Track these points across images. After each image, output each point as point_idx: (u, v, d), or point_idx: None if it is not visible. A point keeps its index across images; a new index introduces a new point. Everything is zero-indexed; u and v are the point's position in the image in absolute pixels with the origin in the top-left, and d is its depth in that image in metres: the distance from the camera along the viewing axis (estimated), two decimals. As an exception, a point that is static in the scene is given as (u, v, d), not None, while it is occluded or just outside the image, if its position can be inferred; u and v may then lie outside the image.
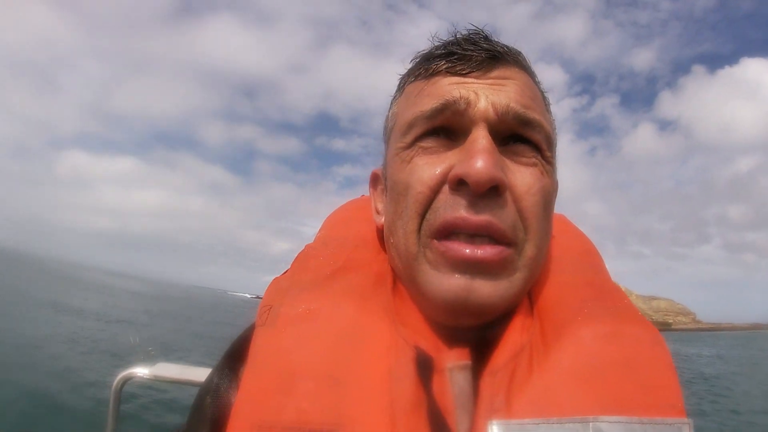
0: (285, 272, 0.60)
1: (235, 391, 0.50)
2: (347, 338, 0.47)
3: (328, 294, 0.52)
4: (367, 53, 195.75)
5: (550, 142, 0.52)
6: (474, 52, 0.51)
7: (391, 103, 0.60)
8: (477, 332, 0.50)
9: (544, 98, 0.57)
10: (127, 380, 1.33)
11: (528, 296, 0.55)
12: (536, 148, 0.50)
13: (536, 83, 0.56)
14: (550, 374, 0.44)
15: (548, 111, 0.57)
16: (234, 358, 0.57)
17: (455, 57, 0.52)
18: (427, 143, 0.51)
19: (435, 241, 0.47)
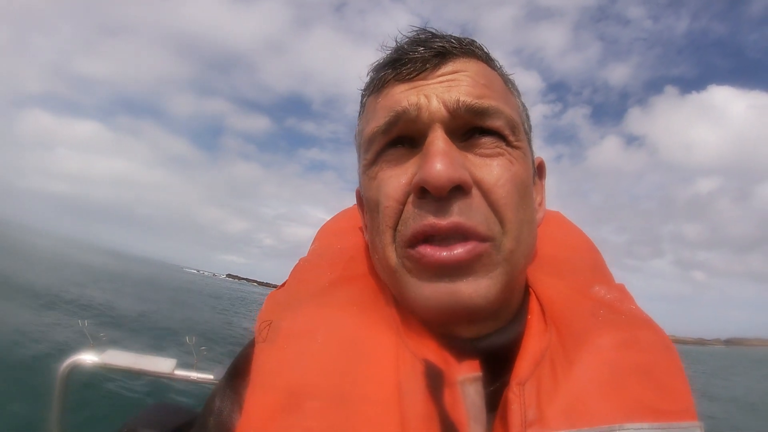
0: (281, 286, 0.58)
1: (239, 412, 0.48)
2: (352, 353, 0.46)
3: (329, 307, 0.50)
4: (347, 39, 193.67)
5: (514, 127, 0.50)
6: (419, 53, 0.50)
7: (358, 120, 0.59)
8: (484, 342, 0.49)
9: (507, 82, 0.55)
10: (73, 367, 1.26)
11: (537, 300, 0.54)
12: (500, 136, 0.49)
13: (495, 68, 0.54)
14: (576, 383, 0.44)
15: (513, 94, 0.55)
16: (235, 378, 0.54)
17: (400, 62, 0.51)
18: (390, 155, 0.50)
19: (410, 249, 0.47)
